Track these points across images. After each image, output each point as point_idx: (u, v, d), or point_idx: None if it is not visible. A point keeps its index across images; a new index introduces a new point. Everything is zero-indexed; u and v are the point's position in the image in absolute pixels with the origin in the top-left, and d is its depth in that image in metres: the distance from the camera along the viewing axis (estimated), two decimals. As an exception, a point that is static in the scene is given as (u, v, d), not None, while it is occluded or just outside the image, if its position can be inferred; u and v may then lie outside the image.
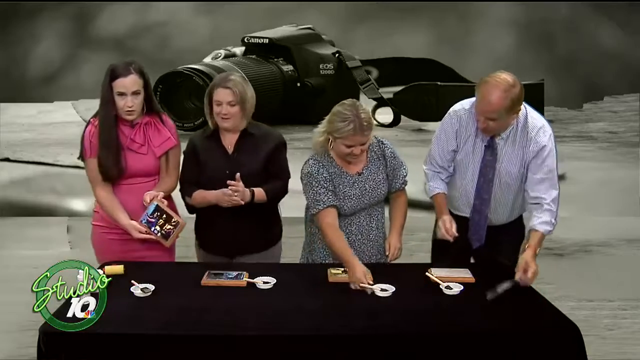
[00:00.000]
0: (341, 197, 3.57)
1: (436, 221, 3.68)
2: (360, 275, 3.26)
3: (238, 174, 3.53)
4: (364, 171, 3.61)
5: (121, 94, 3.54)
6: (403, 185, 3.69)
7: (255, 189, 3.61)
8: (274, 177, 3.70)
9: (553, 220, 3.52)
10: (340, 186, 3.58)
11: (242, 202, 3.55)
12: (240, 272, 3.39)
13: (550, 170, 3.54)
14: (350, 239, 3.59)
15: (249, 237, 3.71)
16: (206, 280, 3.35)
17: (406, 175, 3.70)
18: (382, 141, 3.66)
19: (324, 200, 3.51)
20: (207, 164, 3.68)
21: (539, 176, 3.53)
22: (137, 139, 3.62)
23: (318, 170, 3.54)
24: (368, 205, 3.62)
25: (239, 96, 3.60)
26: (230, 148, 3.69)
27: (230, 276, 3.37)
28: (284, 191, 3.73)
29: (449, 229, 3.52)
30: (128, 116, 3.58)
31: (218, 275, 3.38)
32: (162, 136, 3.66)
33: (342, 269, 3.41)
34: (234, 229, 3.67)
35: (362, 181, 3.60)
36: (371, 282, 3.25)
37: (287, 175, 3.75)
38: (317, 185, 3.52)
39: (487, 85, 3.38)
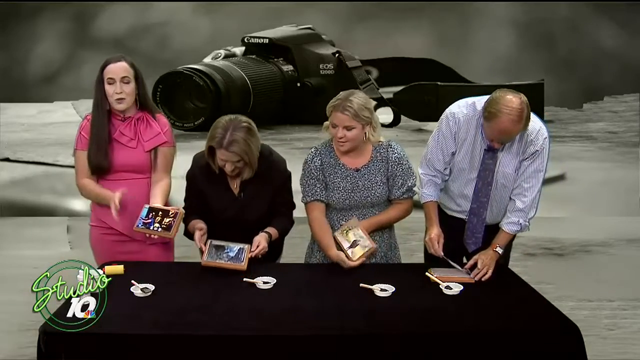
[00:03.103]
0: (331, 188, 3.61)
1: (426, 219, 3.68)
2: (340, 260, 3.48)
3: (197, 234, 3.53)
4: (362, 169, 3.61)
5: (111, 81, 3.55)
6: (404, 195, 3.64)
7: (271, 231, 3.58)
8: (279, 212, 3.66)
9: (522, 221, 3.56)
10: (332, 176, 3.61)
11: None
12: (241, 247, 3.44)
13: (539, 170, 3.54)
14: None
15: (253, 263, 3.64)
16: (207, 261, 3.41)
17: (413, 185, 3.64)
18: (391, 145, 3.64)
19: (312, 192, 3.61)
20: (213, 205, 3.61)
21: (526, 174, 3.54)
22: (127, 133, 3.61)
23: (312, 159, 3.63)
24: (360, 204, 3.62)
25: (244, 157, 3.48)
26: (236, 189, 3.62)
27: (231, 254, 3.43)
28: (291, 224, 3.72)
29: (437, 250, 3.53)
30: (118, 105, 3.57)
31: (219, 251, 3.44)
32: (152, 131, 3.65)
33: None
34: None
35: (356, 177, 3.61)
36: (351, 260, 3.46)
37: (292, 207, 3.72)
38: (308, 175, 3.62)
39: (502, 120, 3.33)
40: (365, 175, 3.61)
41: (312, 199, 3.62)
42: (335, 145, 3.60)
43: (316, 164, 3.62)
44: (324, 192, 3.62)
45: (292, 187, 3.73)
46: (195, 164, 3.67)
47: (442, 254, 3.52)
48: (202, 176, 3.62)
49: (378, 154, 3.62)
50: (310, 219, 3.63)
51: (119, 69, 3.56)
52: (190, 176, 3.66)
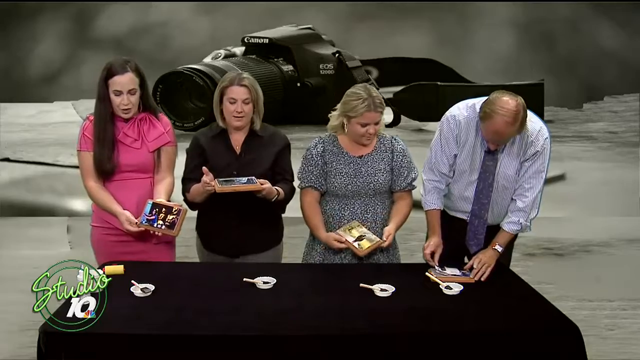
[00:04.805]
0: (333, 174, 3.63)
1: (428, 227, 3.68)
2: (330, 240, 3.53)
3: (205, 168, 3.54)
4: (366, 156, 3.64)
5: (117, 92, 3.55)
6: (408, 188, 3.67)
7: (279, 189, 3.62)
8: (279, 179, 3.69)
9: (522, 221, 3.56)
10: (334, 163, 3.63)
11: (213, 190, 3.53)
12: (250, 177, 3.53)
13: (540, 171, 3.54)
14: (342, 223, 3.63)
15: (253, 237, 3.72)
16: (221, 187, 3.48)
17: (415, 178, 3.68)
18: (395, 138, 3.69)
19: (308, 178, 3.65)
20: (215, 165, 3.65)
21: (527, 175, 3.54)
22: (131, 134, 3.62)
23: (315, 146, 3.67)
24: (362, 191, 3.62)
25: (254, 94, 3.64)
26: (237, 148, 3.69)
27: (242, 181, 3.53)
28: (292, 193, 3.75)
29: (429, 259, 3.53)
30: (124, 114, 3.59)
31: (229, 182, 3.52)
32: (156, 132, 3.66)
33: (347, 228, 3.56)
34: (238, 228, 3.68)
35: (359, 164, 3.63)
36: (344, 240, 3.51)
37: (293, 177, 3.76)
38: (307, 160, 3.66)
39: (496, 121, 3.33)
40: (369, 162, 3.63)
41: (307, 184, 3.66)
42: (359, 141, 3.60)
43: (318, 150, 3.66)
44: (320, 179, 3.65)
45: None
46: (196, 134, 3.79)
47: (437, 264, 3.51)
48: (205, 138, 3.73)
49: (382, 145, 3.66)
50: (302, 202, 3.68)
51: (126, 80, 3.54)
52: (191, 147, 3.75)
